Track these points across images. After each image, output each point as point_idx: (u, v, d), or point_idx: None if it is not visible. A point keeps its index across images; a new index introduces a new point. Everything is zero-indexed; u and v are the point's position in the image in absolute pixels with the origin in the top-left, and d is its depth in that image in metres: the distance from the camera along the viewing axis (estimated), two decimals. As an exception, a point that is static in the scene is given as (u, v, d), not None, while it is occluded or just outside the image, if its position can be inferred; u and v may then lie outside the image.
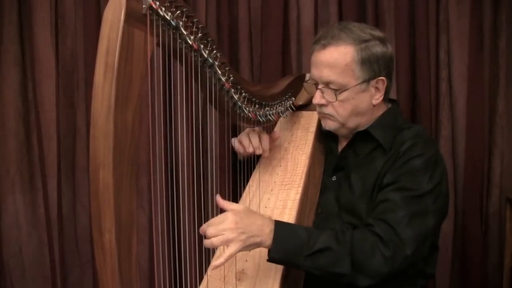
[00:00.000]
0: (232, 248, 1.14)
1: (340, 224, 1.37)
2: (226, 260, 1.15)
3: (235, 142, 1.52)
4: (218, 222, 1.16)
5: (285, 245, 1.19)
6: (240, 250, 1.16)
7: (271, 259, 1.21)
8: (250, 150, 1.46)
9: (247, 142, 1.47)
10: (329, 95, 1.37)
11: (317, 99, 1.40)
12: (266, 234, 1.18)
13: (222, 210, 1.30)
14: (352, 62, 1.34)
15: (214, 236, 1.14)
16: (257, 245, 1.19)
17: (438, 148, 1.44)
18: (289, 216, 1.35)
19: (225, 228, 1.14)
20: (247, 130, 1.52)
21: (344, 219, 1.38)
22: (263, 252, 1.31)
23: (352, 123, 1.40)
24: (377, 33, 1.39)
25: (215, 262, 1.16)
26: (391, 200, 1.26)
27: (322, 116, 1.44)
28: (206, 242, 1.16)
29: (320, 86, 1.39)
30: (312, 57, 1.40)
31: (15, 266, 2.10)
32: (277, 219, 1.37)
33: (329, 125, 1.43)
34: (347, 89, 1.35)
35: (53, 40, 2.04)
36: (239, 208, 1.19)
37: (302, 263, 1.20)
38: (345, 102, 1.37)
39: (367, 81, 1.36)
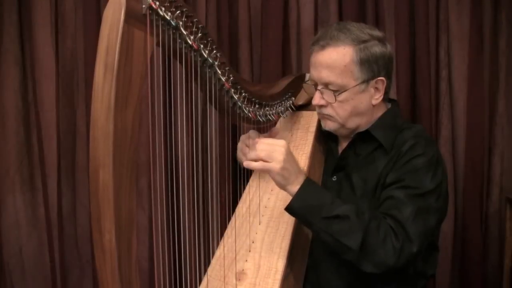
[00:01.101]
0: (270, 164, 1.21)
1: None
2: (258, 167, 1.22)
3: (240, 156, 1.52)
4: (273, 141, 1.24)
5: (308, 198, 1.23)
6: (273, 173, 1.21)
7: (290, 207, 1.25)
8: None
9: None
10: (329, 96, 1.37)
11: (317, 100, 1.40)
12: (298, 181, 1.24)
13: (222, 212, 1.31)
14: (351, 63, 1.34)
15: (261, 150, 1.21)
16: (286, 182, 1.23)
17: (438, 148, 1.44)
18: (289, 216, 1.35)
19: (280, 146, 1.22)
20: (243, 139, 1.52)
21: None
22: (263, 252, 1.31)
23: (351, 123, 1.40)
24: (376, 33, 1.39)
25: (245, 162, 1.23)
26: (395, 198, 1.27)
27: (321, 117, 1.44)
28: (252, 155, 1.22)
29: (319, 87, 1.39)
30: (311, 58, 1.40)
31: (15, 266, 2.10)
32: (277, 219, 1.38)
33: (328, 125, 1.43)
34: (346, 90, 1.35)
35: (53, 40, 2.04)
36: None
37: (316, 222, 1.23)
38: (344, 103, 1.37)
39: (366, 81, 1.35)
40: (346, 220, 1.21)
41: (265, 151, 1.21)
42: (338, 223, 1.21)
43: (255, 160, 1.23)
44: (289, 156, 1.23)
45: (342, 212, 1.22)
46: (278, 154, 1.21)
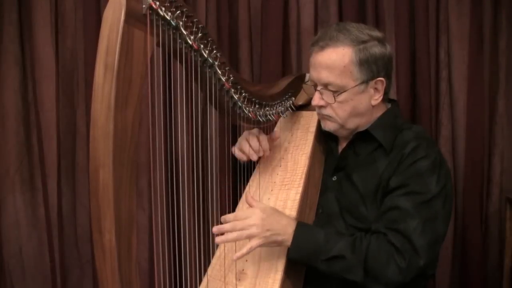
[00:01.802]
0: (254, 242, 1.22)
1: (341, 224, 1.38)
2: (247, 252, 1.22)
3: (235, 150, 1.52)
4: (245, 216, 1.23)
5: (303, 246, 1.25)
6: (261, 246, 1.24)
7: (290, 259, 1.28)
8: (254, 158, 1.47)
9: (248, 148, 1.47)
10: (328, 97, 1.37)
11: (316, 100, 1.40)
12: (289, 234, 1.25)
13: (222, 211, 1.31)
14: (350, 64, 1.33)
15: (239, 230, 1.22)
16: (279, 243, 1.26)
17: (439, 148, 1.44)
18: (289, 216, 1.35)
19: (251, 224, 1.22)
20: (244, 134, 1.52)
21: (345, 220, 1.38)
22: (263, 252, 1.31)
23: (351, 124, 1.40)
24: (376, 33, 1.38)
25: (235, 254, 1.23)
26: (402, 208, 1.26)
27: (321, 117, 1.44)
28: (222, 238, 1.23)
29: (319, 88, 1.39)
30: (311, 58, 1.40)
31: (15, 266, 2.10)
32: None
33: (328, 126, 1.43)
34: (345, 91, 1.35)
35: (53, 40, 2.04)
36: (266, 206, 1.27)
37: (318, 265, 1.26)
38: (344, 104, 1.37)
39: (365, 82, 1.35)
40: (343, 259, 1.24)
41: (242, 235, 1.22)
42: (336, 263, 1.25)
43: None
44: (267, 220, 1.23)
45: (338, 252, 1.24)
46: (254, 229, 1.22)
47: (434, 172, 1.29)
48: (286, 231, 1.25)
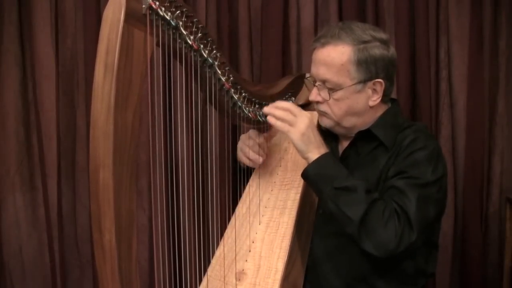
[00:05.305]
0: (291, 129, 1.29)
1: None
2: (280, 127, 1.30)
3: (242, 158, 1.51)
4: (298, 111, 1.31)
5: (324, 167, 1.29)
6: (293, 138, 1.29)
7: (305, 172, 1.31)
8: (261, 161, 1.47)
9: (256, 156, 1.47)
10: (324, 93, 1.38)
11: (313, 95, 1.41)
12: (319, 151, 1.30)
13: (222, 213, 1.31)
14: (348, 62, 1.34)
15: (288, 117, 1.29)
16: (306, 149, 1.30)
17: (438, 143, 1.44)
18: (289, 216, 1.35)
19: (301, 115, 1.30)
20: (244, 140, 1.51)
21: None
22: (263, 252, 1.31)
23: (347, 122, 1.40)
24: (380, 34, 1.38)
25: (265, 108, 1.31)
26: (397, 187, 1.28)
27: (318, 113, 1.45)
28: (267, 109, 1.30)
29: (317, 83, 1.39)
30: (312, 54, 1.41)
31: (15, 266, 2.10)
32: (277, 219, 1.38)
33: (324, 122, 1.44)
34: (341, 89, 1.35)
35: (53, 40, 2.05)
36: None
37: (326, 191, 1.27)
38: (339, 101, 1.37)
39: (363, 82, 1.35)
40: (354, 192, 1.25)
41: (290, 116, 1.29)
42: (345, 194, 1.25)
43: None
44: (312, 128, 1.30)
45: (352, 184, 1.26)
46: (301, 122, 1.28)
47: (431, 163, 1.30)
48: (319, 147, 1.30)
